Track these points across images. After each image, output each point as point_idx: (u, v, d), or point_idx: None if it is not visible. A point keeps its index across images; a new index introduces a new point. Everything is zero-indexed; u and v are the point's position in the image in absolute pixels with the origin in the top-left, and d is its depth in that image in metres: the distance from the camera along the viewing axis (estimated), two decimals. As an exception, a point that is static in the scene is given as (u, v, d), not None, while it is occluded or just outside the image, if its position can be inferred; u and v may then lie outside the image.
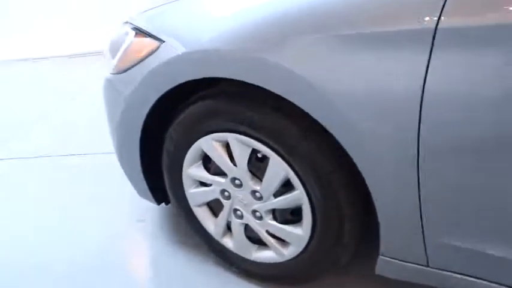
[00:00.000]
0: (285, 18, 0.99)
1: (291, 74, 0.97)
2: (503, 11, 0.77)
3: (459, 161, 0.86)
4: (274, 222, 1.27)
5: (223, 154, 1.25)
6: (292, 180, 1.15)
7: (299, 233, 1.22)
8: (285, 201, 1.20)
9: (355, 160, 0.98)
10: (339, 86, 0.93)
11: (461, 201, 0.90)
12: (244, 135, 1.16)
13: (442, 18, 0.79)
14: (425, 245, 1.01)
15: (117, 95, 1.39)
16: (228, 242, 1.43)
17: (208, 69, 1.11)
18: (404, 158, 0.91)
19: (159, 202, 1.58)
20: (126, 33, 1.36)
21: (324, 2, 0.94)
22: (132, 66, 1.30)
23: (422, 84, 0.83)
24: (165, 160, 1.41)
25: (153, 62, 1.22)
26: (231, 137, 1.19)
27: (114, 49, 1.42)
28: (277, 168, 1.15)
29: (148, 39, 1.26)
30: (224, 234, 1.42)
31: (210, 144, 1.25)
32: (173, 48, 1.16)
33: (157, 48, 1.21)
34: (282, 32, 0.99)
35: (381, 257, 1.10)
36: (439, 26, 0.79)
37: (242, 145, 1.19)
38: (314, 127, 1.04)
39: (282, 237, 1.28)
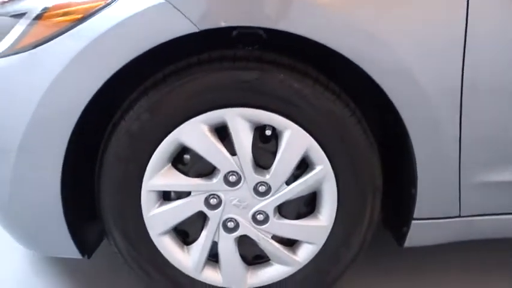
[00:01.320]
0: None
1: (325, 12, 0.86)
2: None
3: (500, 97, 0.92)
4: (286, 220, 1.02)
5: (215, 141, 0.95)
6: (313, 155, 0.96)
7: (321, 224, 1.01)
8: (302, 186, 0.98)
9: (396, 105, 0.91)
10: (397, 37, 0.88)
11: (500, 134, 0.95)
12: (252, 107, 0.93)
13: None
14: (460, 191, 0.99)
15: (21, 85, 0.92)
16: (211, 277, 1.05)
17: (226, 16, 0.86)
18: (447, 98, 0.91)
19: (84, 253, 1.05)
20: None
21: None
22: (56, 36, 0.89)
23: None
24: (108, 176, 0.97)
25: (109, 18, 0.87)
26: (231, 114, 0.93)
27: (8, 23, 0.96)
28: (297, 142, 0.95)
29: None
30: (204, 266, 1.04)
31: (196, 130, 0.94)
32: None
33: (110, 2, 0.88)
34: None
35: (413, 222, 1.02)
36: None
37: (245, 122, 0.94)
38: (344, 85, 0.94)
39: (296, 238, 1.03)
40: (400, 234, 1.06)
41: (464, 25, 0.89)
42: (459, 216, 1.03)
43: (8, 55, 0.93)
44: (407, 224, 1.04)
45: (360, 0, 0.90)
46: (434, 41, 0.91)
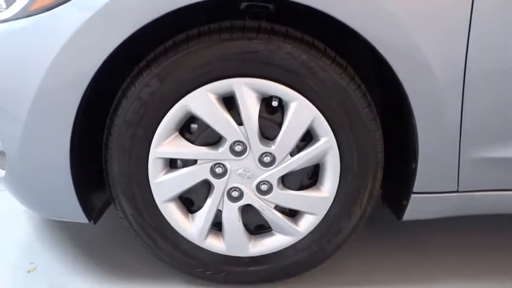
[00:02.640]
0: None
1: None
2: None
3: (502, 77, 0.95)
4: (289, 191, 1.04)
5: (223, 110, 0.97)
6: (318, 126, 0.98)
7: (323, 195, 1.04)
8: (306, 157, 1.01)
9: (402, 81, 0.93)
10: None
11: (500, 111, 0.97)
12: (260, 78, 0.95)
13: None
14: (459, 166, 1.02)
15: (37, 43, 0.93)
16: (215, 244, 1.07)
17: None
18: (451, 76, 0.94)
19: (90, 219, 1.07)
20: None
21: None
22: (67, 1, 0.90)
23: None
24: (116, 143, 0.99)
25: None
26: (239, 83, 0.95)
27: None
28: (303, 113, 0.97)
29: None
30: (208, 234, 1.07)
31: (204, 99, 0.95)
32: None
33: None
34: None
35: (413, 195, 1.05)
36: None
37: (253, 93, 0.96)
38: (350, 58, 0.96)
39: (298, 208, 1.06)
40: (400, 207, 1.09)
41: (471, 5, 0.91)
42: (457, 191, 1.05)
43: (19, 18, 0.94)
44: (406, 198, 1.06)
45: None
46: (441, 19, 0.92)
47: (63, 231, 1.32)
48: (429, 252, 1.27)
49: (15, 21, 0.94)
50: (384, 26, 0.91)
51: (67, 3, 0.90)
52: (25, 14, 0.93)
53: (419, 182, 1.04)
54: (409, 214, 1.08)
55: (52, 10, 0.91)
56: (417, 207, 1.07)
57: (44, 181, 1.01)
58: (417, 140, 0.99)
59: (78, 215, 1.05)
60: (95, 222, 1.11)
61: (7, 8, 0.98)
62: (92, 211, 1.10)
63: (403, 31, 0.91)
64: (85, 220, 1.06)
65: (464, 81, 0.95)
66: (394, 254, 1.26)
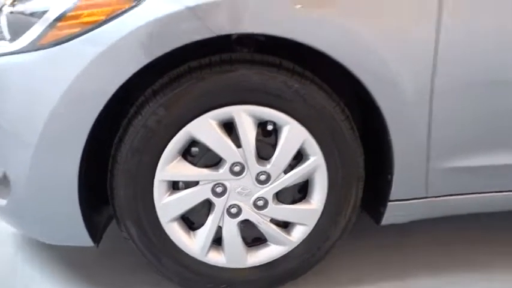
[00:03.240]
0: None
1: (327, 24, 1.00)
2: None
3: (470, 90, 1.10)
4: (283, 205, 1.15)
5: (223, 135, 1.06)
6: (308, 147, 1.10)
7: (313, 207, 1.16)
8: (298, 174, 1.12)
9: (377, 100, 1.06)
10: (372, 33, 1.03)
11: (462, 128, 1.14)
12: (257, 104, 1.05)
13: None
14: (427, 175, 1.17)
15: (46, 77, 0.98)
16: (216, 258, 1.16)
17: (234, 24, 0.97)
18: (421, 90, 1.08)
19: (95, 241, 1.11)
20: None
21: None
22: (82, 34, 0.95)
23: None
24: (123, 169, 1.05)
25: (131, 23, 0.94)
26: (239, 110, 1.04)
27: (24, 21, 1.00)
28: (295, 136, 1.08)
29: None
30: (210, 249, 1.15)
31: (206, 125, 1.04)
32: (170, 4, 0.94)
33: (134, 6, 0.95)
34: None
35: (389, 203, 1.20)
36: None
37: (250, 118, 1.06)
38: (337, 86, 1.08)
39: (291, 220, 1.17)
40: (378, 214, 1.24)
41: (435, 33, 1.05)
42: (426, 197, 1.22)
43: (29, 51, 0.97)
44: (384, 205, 1.21)
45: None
46: (411, 46, 1.07)
47: (53, 253, 1.34)
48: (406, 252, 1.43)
49: (25, 54, 0.98)
50: (355, 49, 1.03)
51: (76, 39, 0.96)
52: (34, 47, 0.97)
53: (395, 191, 1.18)
54: (386, 219, 1.23)
55: (62, 45, 0.96)
56: (393, 213, 1.22)
57: (51, 206, 1.05)
58: (393, 154, 1.14)
59: (84, 239, 1.09)
60: (98, 244, 1.15)
61: (11, 39, 1.01)
62: (96, 233, 1.14)
63: (373, 52, 1.03)
64: (90, 243, 1.10)
65: (431, 104, 1.10)
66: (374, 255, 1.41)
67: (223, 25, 0.97)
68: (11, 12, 1.02)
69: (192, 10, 0.94)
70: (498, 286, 1.31)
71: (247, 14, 0.98)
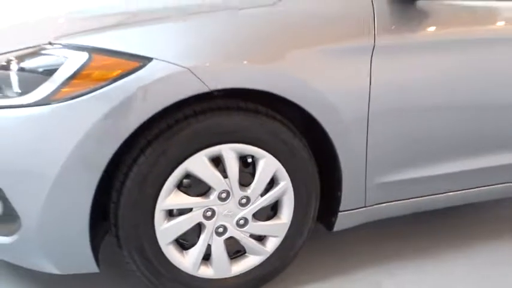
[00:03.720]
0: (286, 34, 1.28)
1: (294, 80, 1.28)
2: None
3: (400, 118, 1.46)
4: (260, 222, 1.40)
5: (213, 169, 1.28)
6: (279, 174, 1.37)
7: (283, 222, 1.42)
8: (271, 196, 1.38)
9: (330, 134, 1.37)
10: (326, 85, 1.33)
11: (392, 152, 1.50)
12: (241, 143, 1.29)
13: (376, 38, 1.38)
14: (365, 190, 1.52)
15: (55, 132, 1.10)
16: (205, 271, 1.37)
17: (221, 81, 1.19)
18: (359, 119, 1.41)
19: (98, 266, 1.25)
20: (64, 57, 1.12)
21: None
22: (93, 90, 1.11)
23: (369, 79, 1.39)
24: (127, 201, 1.21)
25: (138, 81, 1.12)
26: (226, 148, 1.27)
27: (34, 77, 1.11)
28: (270, 166, 1.34)
29: (115, 59, 1.13)
30: (200, 265, 1.35)
31: (200, 162, 1.25)
32: (173, 65, 1.14)
33: (141, 66, 1.13)
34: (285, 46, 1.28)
35: (340, 213, 1.52)
36: (376, 43, 1.38)
37: (234, 154, 1.29)
38: (300, 127, 1.37)
39: (266, 234, 1.42)
40: (330, 223, 1.55)
41: (369, 77, 1.39)
42: (365, 207, 1.56)
43: (43, 104, 1.09)
44: (335, 216, 1.52)
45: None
46: (351, 85, 1.39)
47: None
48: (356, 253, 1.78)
49: (40, 107, 1.09)
50: (308, 92, 1.31)
51: (89, 95, 1.10)
52: (48, 101, 1.10)
53: (343, 204, 1.51)
54: (337, 227, 1.55)
55: (76, 99, 1.10)
56: (342, 221, 1.54)
57: (61, 238, 1.17)
58: (341, 176, 1.46)
59: (91, 266, 1.23)
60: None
61: (21, 93, 1.12)
62: (97, 259, 1.27)
63: (321, 93, 1.33)
64: (96, 269, 1.24)
65: (367, 135, 1.44)
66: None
67: (215, 83, 1.19)
68: (22, 69, 1.13)
69: (190, 70, 1.15)
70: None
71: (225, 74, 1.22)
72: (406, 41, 1.43)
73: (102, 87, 1.11)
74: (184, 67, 1.15)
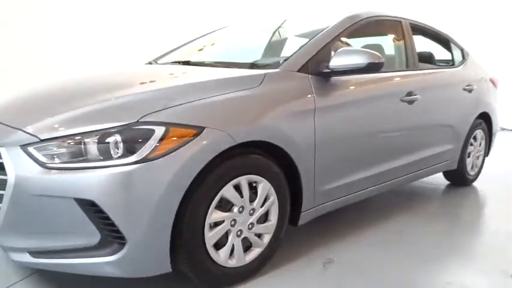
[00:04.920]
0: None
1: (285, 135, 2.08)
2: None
3: (334, 144, 2.37)
4: (260, 224, 2.13)
5: (236, 193, 1.98)
6: (270, 192, 2.13)
7: (272, 223, 2.18)
8: (267, 206, 2.14)
9: (295, 161, 2.20)
10: (297, 136, 2.16)
11: (335, 163, 2.40)
12: (252, 174, 2.02)
13: (316, 102, 2.27)
14: (314, 194, 2.38)
15: (151, 180, 1.68)
16: (232, 262, 2.03)
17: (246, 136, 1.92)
18: (311, 146, 2.28)
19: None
20: (151, 130, 1.71)
21: None
22: (171, 152, 1.72)
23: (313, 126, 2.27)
24: (188, 219, 1.83)
25: (198, 142, 1.77)
26: (244, 179, 1.99)
27: (130, 146, 1.68)
28: (266, 187, 2.10)
29: (183, 129, 1.76)
30: (229, 257, 2.02)
31: (230, 189, 1.94)
32: (217, 130, 1.82)
33: (199, 133, 1.78)
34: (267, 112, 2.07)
35: (302, 213, 2.34)
36: (316, 105, 2.26)
37: (247, 181, 2.02)
38: (280, 162, 2.17)
39: (263, 232, 2.16)
40: (295, 220, 2.36)
41: (313, 124, 2.27)
42: (314, 206, 2.42)
43: (145, 161, 1.66)
44: (299, 215, 2.34)
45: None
46: (304, 130, 2.25)
47: None
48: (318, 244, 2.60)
49: (144, 163, 1.66)
50: (285, 137, 2.16)
51: (169, 155, 1.71)
52: (145, 160, 1.67)
53: (303, 206, 2.34)
54: (300, 222, 2.36)
55: (161, 158, 1.69)
56: (303, 218, 2.37)
57: (155, 249, 1.73)
58: (302, 188, 2.29)
59: (167, 266, 1.79)
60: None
61: (123, 154, 1.66)
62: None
63: (288, 135, 2.18)
64: (170, 269, 1.81)
65: (314, 157, 2.31)
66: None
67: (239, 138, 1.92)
68: (120, 140, 1.68)
69: (227, 133, 1.86)
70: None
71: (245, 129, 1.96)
72: (330, 102, 2.38)
73: (180, 146, 1.73)
74: (223, 131, 1.85)
